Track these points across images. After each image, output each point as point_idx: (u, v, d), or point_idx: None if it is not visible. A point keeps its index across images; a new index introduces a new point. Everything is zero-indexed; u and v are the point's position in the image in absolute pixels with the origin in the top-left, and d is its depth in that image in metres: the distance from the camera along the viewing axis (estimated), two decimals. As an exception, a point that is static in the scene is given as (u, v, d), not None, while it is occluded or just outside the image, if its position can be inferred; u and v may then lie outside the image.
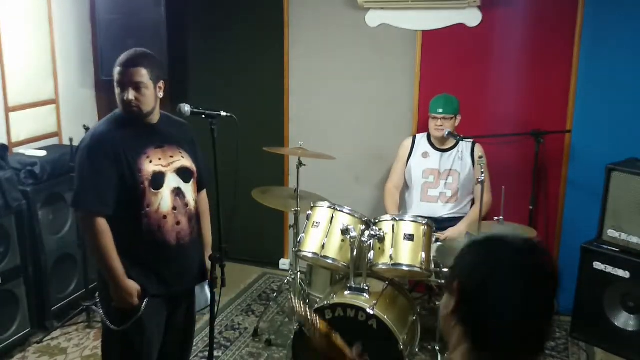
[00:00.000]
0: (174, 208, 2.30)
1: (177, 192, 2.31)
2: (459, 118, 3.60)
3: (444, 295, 1.15)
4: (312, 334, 1.30)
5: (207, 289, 2.97)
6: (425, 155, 3.67)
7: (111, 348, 2.39)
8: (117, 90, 2.24)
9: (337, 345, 1.30)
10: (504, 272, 1.03)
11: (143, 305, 2.27)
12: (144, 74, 2.22)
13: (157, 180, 2.24)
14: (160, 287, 2.32)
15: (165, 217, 2.27)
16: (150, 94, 2.24)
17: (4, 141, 3.56)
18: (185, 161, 2.36)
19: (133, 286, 2.24)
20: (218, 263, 2.30)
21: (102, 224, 2.19)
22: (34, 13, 3.79)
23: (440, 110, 3.54)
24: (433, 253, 3.03)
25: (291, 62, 4.26)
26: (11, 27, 3.60)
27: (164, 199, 2.26)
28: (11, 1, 3.60)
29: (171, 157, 2.31)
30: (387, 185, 3.80)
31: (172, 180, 2.29)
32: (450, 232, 3.44)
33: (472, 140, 3.63)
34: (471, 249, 1.09)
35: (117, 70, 2.23)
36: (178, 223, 2.31)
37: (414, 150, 3.71)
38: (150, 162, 2.25)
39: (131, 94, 2.21)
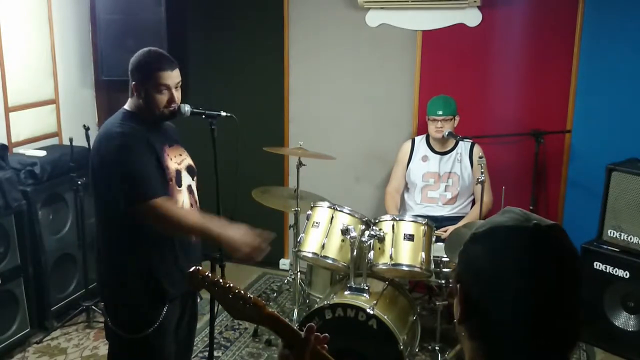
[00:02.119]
0: (191, 205, 2.31)
1: (190, 190, 2.32)
2: (457, 119, 3.59)
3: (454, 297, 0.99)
4: (239, 307, 1.15)
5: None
6: (424, 158, 3.66)
7: (126, 358, 2.30)
8: (152, 91, 2.18)
9: (273, 316, 1.16)
10: (511, 270, 0.87)
11: (165, 307, 2.23)
12: (179, 74, 2.25)
13: (179, 177, 2.25)
14: (182, 286, 2.30)
15: None
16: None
17: (4, 141, 3.56)
18: (189, 159, 2.38)
19: (239, 228, 2.09)
20: (218, 263, 2.29)
21: (161, 202, 2.09)
22: (34, 13, 3.79)
23: (440, 112, 3.53)
24: (434, 253, 3.03)
25: (291, 62, 4.26)
26: (11, 27, 3.60)
27: (184, 196, 2.27)
28: (11, 1, 3.60)
29: (180, 155, 2.33)
30: (387, 189, 3.79)
31: (185, 178, 2.30)
32: (452, 230, 3.44)
33: (470, 140, 3.62)
34: (472, 244, 0.93)
35: (161, 73, 2.18)
36: None
37: (413, 153, 3.70)
38: (171, 160, 2.25)
39: (176, 94, 2.22)
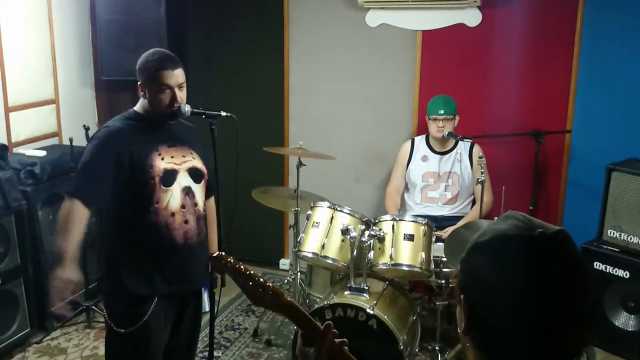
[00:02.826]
0: (183, 206, 2.30)
1: (187, 191, 2.32)
2: (457, 118, 3.59)
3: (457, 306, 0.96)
4: (259, 295, 1.16)
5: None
6: (424, 158, 3.66)
7: (116, 351, 2.37)
8: (154, 91, 2.23)
9: (291, 305, 1.16)
10: (515, 280, 0.85)
11: (151, 307, 2.26)
12: (183, 74, 2.28)
13: (168, 177, 2.25)
14: (168, 287, 2.31)
15: (173, 214, 2.27)
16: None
17: (4, 141, 3.56)
18: (197, 162, 2.37)
19: (72, 275, 2.18)
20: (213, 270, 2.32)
21: (77, 210, 2.18)
22: (34, 13, 3.79)
23: (442, 112, 3.52)
24: (434, 253, 3.03)
25: (291, 62, 4.26)
26: (11, 27, 3.60)
27: (173, 197, 2.27)
28: (11, 1, 3.60)
29: (183, 156, 2.33)
30: (387, 189, 3.79)
31: (183, 179, 2.30)
32: (452, 231, 3.44)
33: (470, 140, 3.62)
34: (475, 254, 0.91)
35: (162, 73, 2.22)
36: (186, 222, 2.31)
37: (413, 154, 3.70)
38: (162, 159, 2.25)
39: (179, 94, 2.24)
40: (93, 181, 2.20)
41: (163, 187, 2.24)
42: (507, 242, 0.88)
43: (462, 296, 0.91)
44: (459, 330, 0.94)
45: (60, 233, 2.22)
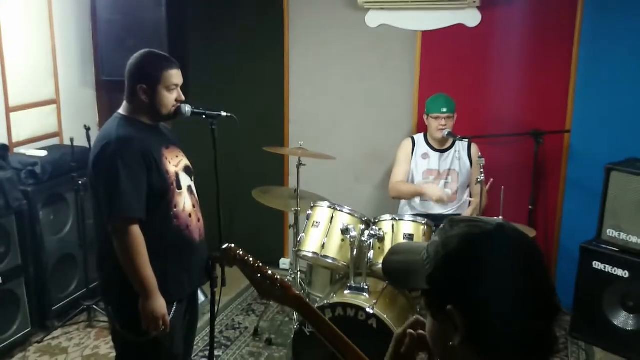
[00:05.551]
0: (194, 205, 2.32)
1: (190, 190, 2.33)
2: (455, 117, 3.60)
3: (430, 320, 0.95)
4: (267, 287, 1.17)
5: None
6: (425, 156, 3.66)
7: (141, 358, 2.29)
8: (163, 91, 2.19)
9: (298, 298, 1.15)
10: (504, 274, 0.87)
11: (173, 308, 2.24)
12: None
13: (178, 180, 2.25)
14: (192, 286, 2.34)
15: (190, 215, 2.28)
16: None
17: (5, 141, 3.57)
18: (186, 159, 2.38)
19: (164, 305, 2.14)
20: (219, 262, 2.31)
21: (138, 231, 2.10)
22: (35, 13, 3.80)
23: (445, 110, 3.51)
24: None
25: (291, 62, 4.27)
26: (12, 27, 3.61)
27: (186, 198, 2.27)
28: (12, 1, 3.61)
29: (177, 156, 2.31)
30: (393, 181, 3.67)
31: (184, 179, 2.30)
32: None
33: (467, 139, 3.60)
34: (451, 264, 0.89)
35: (171, 72, 2.20)
36: (199, 220, 2.34)
37: (414, 151, 3.69)
38: (169, 163, 2.24)
39: (181, 94, 2.25)
40: (137, 196, 2.10)
41: (178, 190, 2.23)
42: (479, 240, 0.89)
43: (449, 307, 0.88)
44: (451, 344, 0.90)
45: (131, 263, 2.10)
